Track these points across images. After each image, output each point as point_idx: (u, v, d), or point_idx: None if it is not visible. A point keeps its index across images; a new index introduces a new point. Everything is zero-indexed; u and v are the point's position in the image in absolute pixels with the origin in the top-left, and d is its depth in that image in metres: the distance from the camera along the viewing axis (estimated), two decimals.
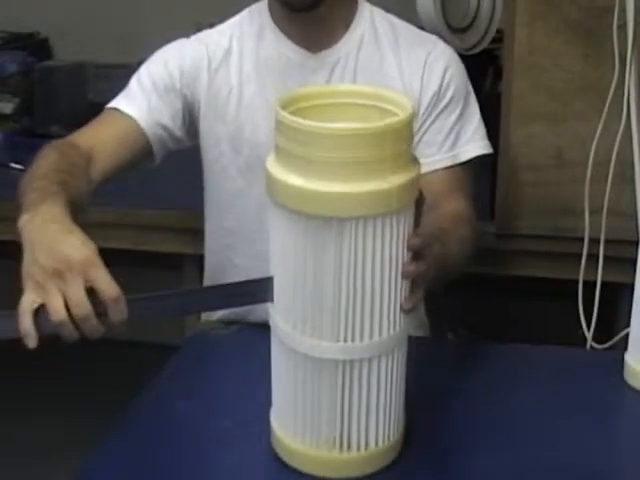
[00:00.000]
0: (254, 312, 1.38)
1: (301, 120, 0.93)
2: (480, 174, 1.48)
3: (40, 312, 0.94)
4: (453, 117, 1.36)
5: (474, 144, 1.38)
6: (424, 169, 1.31)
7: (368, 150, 0.91)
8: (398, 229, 0.94)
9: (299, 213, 0.93)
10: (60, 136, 1.29)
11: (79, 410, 2.25)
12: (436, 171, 1.35)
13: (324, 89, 1.07)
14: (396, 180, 0.93)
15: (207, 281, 1.50)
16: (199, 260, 1.56)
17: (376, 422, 1.00)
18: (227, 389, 1.21)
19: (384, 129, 0.92)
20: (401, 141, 0.94)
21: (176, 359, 1.30)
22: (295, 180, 0.93)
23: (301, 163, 0.92)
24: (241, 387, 1.21)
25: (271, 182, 0.96)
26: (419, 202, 0.99)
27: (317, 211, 0.92)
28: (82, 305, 0.93)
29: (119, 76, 1.50)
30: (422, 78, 1.34)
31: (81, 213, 1.09)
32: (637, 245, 1.22)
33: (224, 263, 1.44)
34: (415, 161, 0.98)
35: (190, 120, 1.39)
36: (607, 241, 1.54)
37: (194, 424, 1.14)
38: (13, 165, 2.03)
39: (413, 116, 0.96)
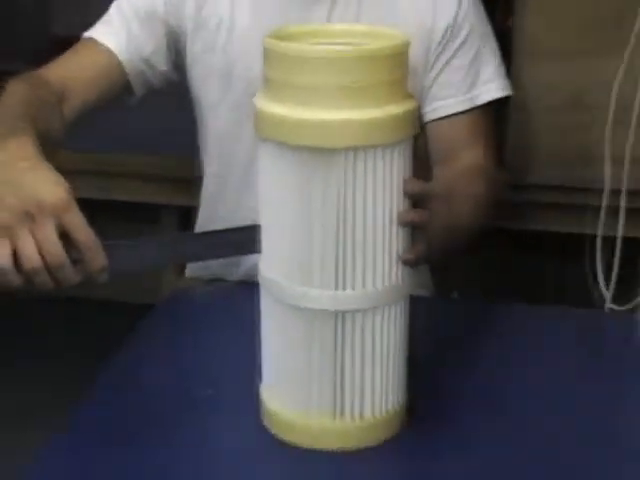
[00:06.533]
0: (240, 268, 1.27)
1: (287, 44, 0.85)
2: None
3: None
4: (471, 54, 1.22)
5: (494, 84, 1.25)
6: (440, 113, 1.23)
7: (359, 74, 0.83)
8: (392, 167, 0.85)
9: (285, 145, 0.84)
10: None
11: (61, 374, 2.14)
12: (453, 115, 1.22)
13: (318, 28, 0.97)
14: (392, 110, 0.84)
15: None
16: (178, 212, 1.42)
17: (372, 386, 0.90)
18: (208, 354, 1.09)
19: (375, 52, 0.84)
20: (395, 69, 0.86)
21: (149, 321, 1.17)
22: (280, 109, 0.84)
23: (288, 91, 0.85)
24: (224, 352, 1.09)
25: (258, 117, 0.88)
26: (419, 154, 0.89)
27: (303, 141, 0.83)
28: (55, 252, 0.83)
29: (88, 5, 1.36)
30: (434, 9, 1.20)
31: (52, 154, 0.94)
32: None
33: (211, 214, 1.32)
34: (412, 98, 0.89)
35: (176, 52, 1.25)
36: (629, 192, 1.42)
37: (170, 394, 1.01)
38: None
39: (408, 45, 0.88)
